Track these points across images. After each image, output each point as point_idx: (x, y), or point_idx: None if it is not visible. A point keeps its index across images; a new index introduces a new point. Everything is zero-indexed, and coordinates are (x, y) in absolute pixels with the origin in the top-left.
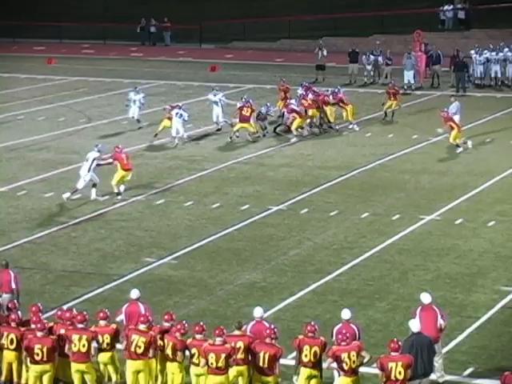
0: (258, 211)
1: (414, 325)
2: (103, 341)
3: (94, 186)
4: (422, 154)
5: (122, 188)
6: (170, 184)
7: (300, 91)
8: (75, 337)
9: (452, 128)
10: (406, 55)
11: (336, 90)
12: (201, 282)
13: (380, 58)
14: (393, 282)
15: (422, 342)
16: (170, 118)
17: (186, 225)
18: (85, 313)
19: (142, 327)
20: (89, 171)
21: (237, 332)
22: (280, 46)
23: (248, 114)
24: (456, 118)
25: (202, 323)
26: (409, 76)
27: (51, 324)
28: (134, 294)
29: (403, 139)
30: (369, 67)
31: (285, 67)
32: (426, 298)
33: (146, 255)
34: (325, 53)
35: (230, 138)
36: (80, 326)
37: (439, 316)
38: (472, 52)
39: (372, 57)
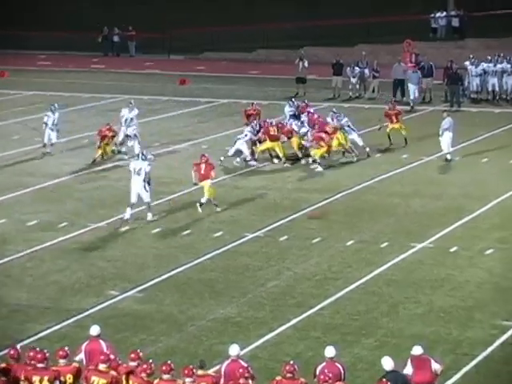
0: (232, 238)
1: (387, 363)
2: (65, 381)
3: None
4: (412, 175)
5: (203, 199)
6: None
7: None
8: (36, 378)
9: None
10: (398, 66)
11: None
12: (170, 317)
13: (366, 70)
14: (381, 316)
15: (397, 380)
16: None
17: (154, 254)
18: (45, 351)
19: (102, 367)
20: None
21: (200, 372)
22: (256, 57)
23: (276, 133)
24: (448, 135)
25: (169, 362)
26: (414, 91)
27: (3, 365)
28: (95, 330)
29: (392, 159)
30: (354, 80)
31: (261, 80)
32: (417, 350)
33: (110, 288)
34: (306, 64)
35: (248, 160)
36: (40, 365)
37: (433, 361)
38: (467, 63)
39: (357, 69)
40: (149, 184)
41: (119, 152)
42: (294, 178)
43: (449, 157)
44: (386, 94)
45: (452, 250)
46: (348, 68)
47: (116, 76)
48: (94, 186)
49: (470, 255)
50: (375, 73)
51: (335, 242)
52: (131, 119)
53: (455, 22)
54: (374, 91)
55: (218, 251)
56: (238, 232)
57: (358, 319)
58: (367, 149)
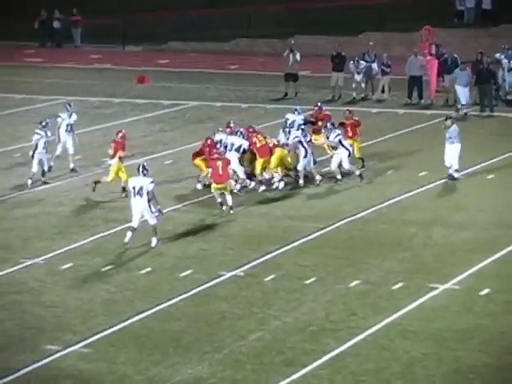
0: (204, 279)
1: None
2: None
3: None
4: (433, 199)
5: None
6: (80, 241)
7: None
8: None
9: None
10: (414, 60)
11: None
12: (124, 378)
13: (374, 65)
14: (394, 377)
15: None
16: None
17: (104, 298)
18: None
19: None
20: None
21: None
22: (235, 48)
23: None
24: (457, 147)
25: None
26: (465, 94)
27: None
28: None
29: (407, 177)
30: (359, 77)
31: (241, 77)
32: None
33: (48, 342)
34: (297, 57)
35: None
36: None
37: None
38: (499, 55)
39: (363, 63)
40: (153, 204)
41: (72, 170)
42: (283, 201)
43: (456, 174)
44: (399, 95)
45: (483, 292)
46: (351, 62)
47: (56, 72)
48: (27, 212)
49: (506, 299)
50: (385, 68)
51: (335, 282)
52: (71, 126)
53: (486, 4)
54: (383, 91)
55: (185, 295)
56: (211, 270)
57: (365, 380)
58: (357, 172)
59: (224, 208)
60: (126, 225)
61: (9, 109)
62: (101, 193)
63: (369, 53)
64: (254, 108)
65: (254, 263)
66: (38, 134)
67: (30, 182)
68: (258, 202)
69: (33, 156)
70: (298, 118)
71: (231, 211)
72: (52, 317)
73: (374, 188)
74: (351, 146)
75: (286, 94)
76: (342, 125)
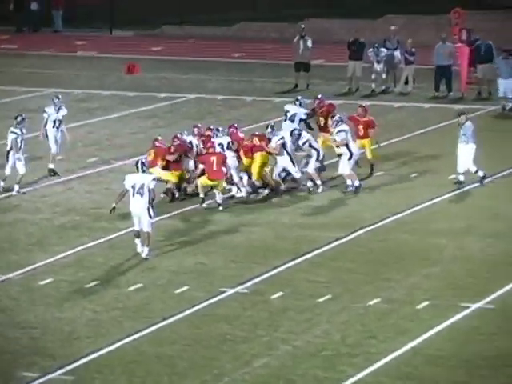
0: (202, 296)
1: None
2: None
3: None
4: (464, 205)
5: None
6: (61, 253)
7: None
8: None
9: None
10: (442, 47)
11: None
12: None
13: (397, 53)
14: None
15: None
16: None
17: (89, 318)
18: None
19: None
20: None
21: None
22: (238, 33)
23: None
24: (471, 147)
25: None
26: (506, 87)
27: None
28: None
29: (435, 181)
30: (379, 67)
31: (246, 67)
32: None
33: (24, 368)
34: (309, 44)
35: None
36: None
37: None
38: None
39: (384, 50)
40: (152, 207)
41: (54, 173)
42: (292, 207)
43: (481, 173)
44: (425, 87)
45: None
46: (371, 49)
47: (34, 60)
48: (1, 220)
49: None
50: (409, 56)
51: (351, 301)
52: (60, 122)
53: None
54: (407, 82)
55: (181, 315)
56: (210, 287)
57: None
58: (311, 183)
59: (204, 205)
60: (115, 234)
61: None
62: (83, 197)
63: (390, 39)
64: (259, 101)
65: (259, 278)
66: (13, 132)
67: (1, 184)
68: (263, 208)
69: (7, 157)
70: (300, 111)
71: (220, 207)
72: (28, 339)
73: (397, 193)
74: (361, 147)
75: (297, 86)
76: (353, 120)
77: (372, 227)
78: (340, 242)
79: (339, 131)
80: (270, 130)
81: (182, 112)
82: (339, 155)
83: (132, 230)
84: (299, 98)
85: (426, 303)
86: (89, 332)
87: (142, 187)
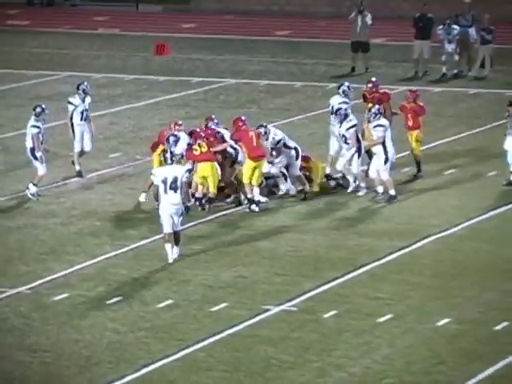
0: (243, 315)
1: None
2: None
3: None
4: None
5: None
6: (78, 264)
7: None
8: None
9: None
10: None
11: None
12: None
13: (472, 30)
14: None
15: None
16: None
17: (110, 341)
18: None
19: None
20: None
21: None
22: (284, 9)
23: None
24: None
25: None
26: None
27: None
28: None
29: None
30: (451, 47)
31: (294, 46)
32: None
33: None
34: (368, 20)
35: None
36: None
37: None
38: None
39: (457, 28)
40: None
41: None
42: (347, 211)
43: None
44: (505, 71)
45: None
46: (441, 26)
47: (47, 39)
48: (8, 225)
49: None
50: (486, 34)
51: (417, 321)
52: (87, 112)
53: None
54: (483, 65)
55: (218, 336)
56: (252, 303)
57: None
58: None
59: (254, 207)
60: (141, 243)
61: None
62: (104, 199)
63: (464, 14)
64: (309, 87)
65: (309, 294)
66: (35, 126)
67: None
68: (313, 211)
69: (34, 156)
70: (338, 102)
71: (256, 209)
72: (40, 364)
73: (469, 195)
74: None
75: (354, 69)
76: (402, 109)
77: (441, 235)
78: (403, 251)
79: (377, 126)
80: (262, 130)
81: (218, 100)
82: (370, 156)
83: (160, 237)
84: (345, 84)
85: (505, 324)
86: (110, 356)
87: (174, 181)
